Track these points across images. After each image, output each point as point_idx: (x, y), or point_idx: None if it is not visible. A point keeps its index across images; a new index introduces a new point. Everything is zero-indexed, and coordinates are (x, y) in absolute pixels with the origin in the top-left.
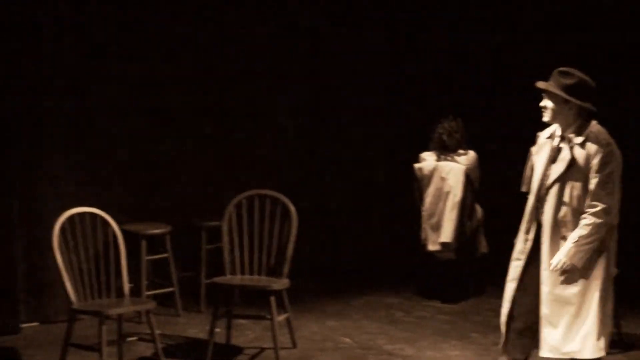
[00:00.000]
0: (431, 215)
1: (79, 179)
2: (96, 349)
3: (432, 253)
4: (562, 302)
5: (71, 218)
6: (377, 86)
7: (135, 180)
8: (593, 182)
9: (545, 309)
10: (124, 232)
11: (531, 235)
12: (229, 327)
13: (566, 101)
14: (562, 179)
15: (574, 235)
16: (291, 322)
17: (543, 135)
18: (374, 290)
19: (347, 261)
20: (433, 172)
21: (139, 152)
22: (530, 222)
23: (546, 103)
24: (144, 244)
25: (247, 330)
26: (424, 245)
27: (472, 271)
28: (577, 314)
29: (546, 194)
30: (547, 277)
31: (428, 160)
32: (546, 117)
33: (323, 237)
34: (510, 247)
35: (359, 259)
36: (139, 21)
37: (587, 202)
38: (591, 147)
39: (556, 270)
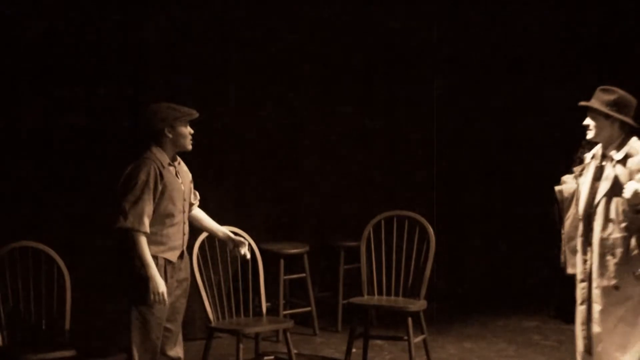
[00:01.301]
0: (571, 239)
1: (219, 199)
2: None
3: (572, 276)
4: (614, 320)
5: (210, 237)
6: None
7: (274, 200)
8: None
9: (596, 328)
10: (262, 251)
11: (588, 255)
12: (365, 348)
13: (608, 116)
14: (607, 197)
15: None
16: (428, 343)
17: (588, 157)
18: (512, 313)
19: (484, 283)
20: (573, 195)
21: (278, 172)
22: (584, 242)
23: (589, 121)
24: (282, 263)
25: (384, 351)
26: (564, 269)
27: None
28: (631, 331)
29: (594, 212)
30: (598, 295)
31: (569, 182)
32: (589, 135)
33: (461, 259)
34: None
35: (497, 281)
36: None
37: None
38: (632, 162)
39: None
